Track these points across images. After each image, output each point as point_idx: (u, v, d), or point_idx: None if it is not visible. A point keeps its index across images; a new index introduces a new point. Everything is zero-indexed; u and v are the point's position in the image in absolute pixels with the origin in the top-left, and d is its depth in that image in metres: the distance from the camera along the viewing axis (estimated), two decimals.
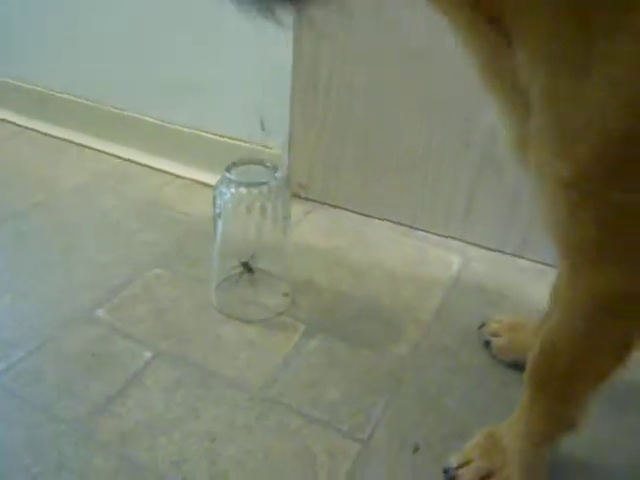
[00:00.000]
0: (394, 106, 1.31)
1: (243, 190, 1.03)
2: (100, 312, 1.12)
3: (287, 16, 0.64)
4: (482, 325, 1.11)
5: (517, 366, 1.00)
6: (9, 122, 1.83)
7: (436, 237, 1.38)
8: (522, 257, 1.32)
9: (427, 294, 1.20)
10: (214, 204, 1.06)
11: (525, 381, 0.81)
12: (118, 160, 1.65)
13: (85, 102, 1.70)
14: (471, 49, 0.67)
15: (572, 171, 0.58)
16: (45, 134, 1.77)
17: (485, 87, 0.70)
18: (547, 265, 1.26)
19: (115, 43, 1.60)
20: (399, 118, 1.32)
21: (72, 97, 1.72)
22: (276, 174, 1.05)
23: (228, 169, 1.05)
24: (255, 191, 1.03)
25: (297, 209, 1.42)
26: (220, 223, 1.06)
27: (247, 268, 1.12)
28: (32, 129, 1.79)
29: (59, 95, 1.74)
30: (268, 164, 1.07)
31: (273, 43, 1.33)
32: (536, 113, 0.61)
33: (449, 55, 1.17)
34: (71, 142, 1.73)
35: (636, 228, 0.60)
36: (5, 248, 1.30)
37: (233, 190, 1.03)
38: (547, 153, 0.60)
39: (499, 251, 1.34)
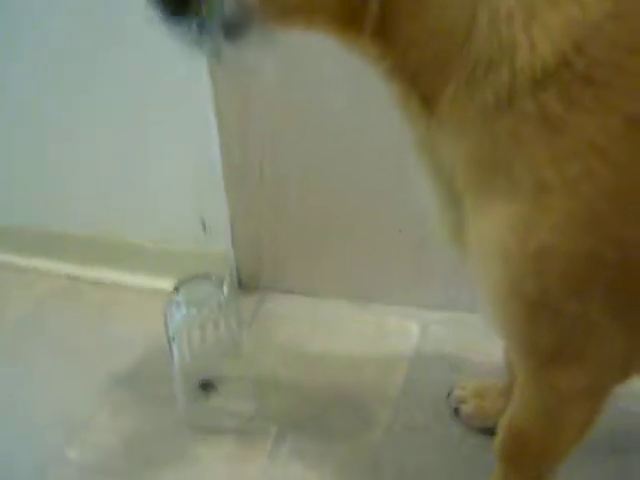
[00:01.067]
0: (327, 188, 1.33)
1: (193, 310, 1.03)
2: (70, 451, 1.10)
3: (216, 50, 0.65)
4: (449, 393, 1.12)
5: (488, 430, 1.02)
6: None
7: (392, 307, 1.39)
8: (477, 311, 1.34)
9: (391, 370, 1.21)
10: (166, 327, 1.06)
11: (496, 456, 0.83)
12: (62, 279, 1.62)
13: (19, 224, 1.68)
14: (407, 124, 0.68)
15: (534, 291, 0.60)
16: None
17: (418, 165, 0.72)
18: None
19: (32, 159, 1.59)
20: (334, 199, 1.34)
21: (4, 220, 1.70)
22: (224, 287, 1.05)
23: (175, 290, 1.05)
24: (205, 309, 1.03)
25: (250, 301, 1.43)
26: (175, 346, 1.06)
27: (208, 386, 1.12)
28: None
29: None
30: (214, 278, 1.08)
31: (200, 143, 1.35)
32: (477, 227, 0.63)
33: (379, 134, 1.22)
34: (9, 267, 1.69)
35: (595, 332, 0.62)
36: None
37: (184, 312, 1.03)
38: (501, 273, 0.61)
39: (455, 309, 1.36)
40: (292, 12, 0.62)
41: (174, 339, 1.05)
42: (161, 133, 1.37)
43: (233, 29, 0.60)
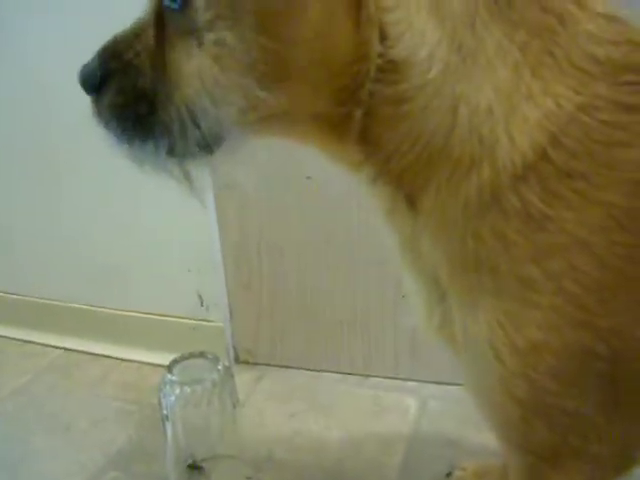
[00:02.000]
0: (325, 264, 1.34)
1: (187, 389, 1.02)
2: None
3: (201, 177, 0.64)
4: (449, 474, 1.10)
5: None
6: None
7: (389, 381, 1.38)
8: None
9: (389, 448, 1.19)
10: (160, 405, 1.05)
11: None
12: (59, 352, 1.62)
13: (18, 296, 1.69)
14: (390, 224, 0.68)
15: (526, 390, 0.59)
16: None
17: (402, 264, 0.71)
18: None
19: (39, 230, 1.60)
20: (332, 275, 1.35)
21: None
22: (218, 365, 1.05)
23: (170, 368, 1.04)
24: (199, 388, 1.02)
25: (247, 376, 1.41)
26: (169, 425, 1.04)
27: (195, 468, 1.10)
28: None
29: None
30: (209, 356, 1.07)
31: (198, 218, 1.36)
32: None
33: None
34: (7, 338, 1.69)
35: (591, 430, 0.61)
36: None
37: (178, 391, 1.02)
38: (492, 373, 0.60)
39: (453, 384, 1.34)
40: (275, 123, 0.61)
41: (168, 418, 1.03)
42: (159, 208, 1.38)
43: (206, 146, 0.59)
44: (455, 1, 0.55)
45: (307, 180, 1.28)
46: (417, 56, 0.55)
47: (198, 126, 0.57)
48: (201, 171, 0.63)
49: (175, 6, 0.56)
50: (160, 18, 0.59)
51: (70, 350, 1.62)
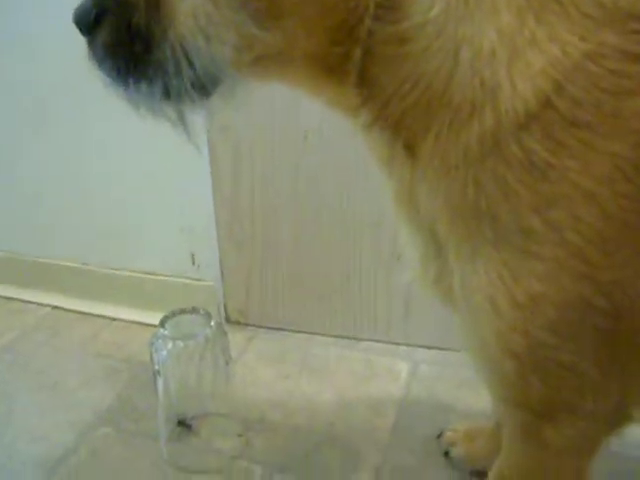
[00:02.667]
0: (319, 225, 1.33)
1: (180, 344, 1.01)
2: None
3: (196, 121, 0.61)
4: (440, 435, 1.10)
5: (479, 473, 1.00)
6: None
7: (381, 345, 1.38)
8: None
9: (381, 411, 1.19)
10: (152, 360, 1.03)
11: None
12: (47, 309, 1.60)
13: (4, 254, 1.67)
14: (386, 175, 0.66)
15: (523, 344, 0.58)
16: None
17: (398, 216, 0.69)
18: None
19: (28, 188, 1.58)
20: (326, 236, 1.33)
21: None
22: (211, 322, 1.03)
23: (162, 323, 1.03)
24: (192, 343, 1.01)
25: (239, 337, 1.41)
26: (160, 380, 1.03)
27: (185, 426, 1.10)
28: None
29: None
30: (201, 311, 1.06)
31: (191, 175, 1.34)
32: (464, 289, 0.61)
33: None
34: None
35: (586, 385, 0.60)
36: None
37: (170, 346, 1.01)
38: (489, 327, 0.59)
39: (444, 349, 1.34)
40: (271, 63, 0.59)
41: (159, 373, 1.02)
42: (152, 166, 1.36)
43: (202, 85, 0.57)
44: None
45: (304, 139, 1.25)
46: None
47: (193, 65, 0.55)
48: (197, 115, 0.61)
49: None
50: None
51: (59, 308, 1.60)
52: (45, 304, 1.62)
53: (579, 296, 0.55)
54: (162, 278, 1.47)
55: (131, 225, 1.48)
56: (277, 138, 1.27)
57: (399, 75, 0.56)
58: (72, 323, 1.55)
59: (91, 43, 0.58)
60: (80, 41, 0.58)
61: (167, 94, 0.57)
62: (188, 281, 1.44)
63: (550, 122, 0.52)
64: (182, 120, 0.60)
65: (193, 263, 1.42)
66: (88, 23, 0.57)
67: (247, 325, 1.46)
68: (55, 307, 1.61)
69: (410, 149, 0.59)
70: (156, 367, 1.03)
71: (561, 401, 0.62)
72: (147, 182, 1.40)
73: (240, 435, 1.12)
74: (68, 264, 1.58)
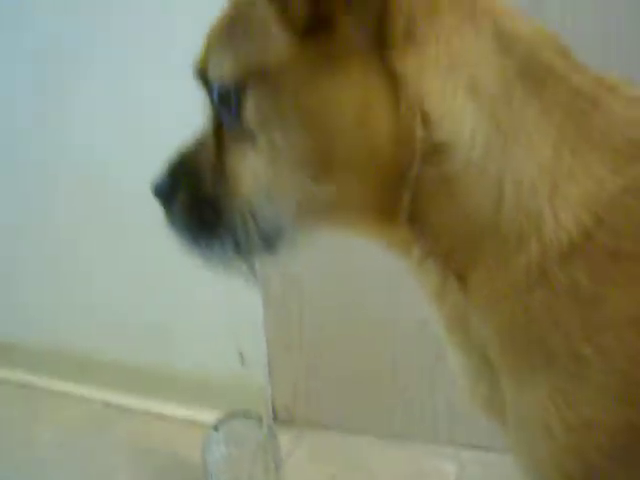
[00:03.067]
0: (365, 325, 1.36)
1: (233, 449, 1.04)
2: None
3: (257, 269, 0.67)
4: None
5: None
6: None
7: (427, 445, 1.38)
8: None
9: None
10: (204, 462, 1.06)
11: None
12: (97, 405, 1.64)
13: (56, 348, 1.72)
14: (438, 305, 0.67)
15: (578, 467, 0.58)
16: (15, 383, 1.77)
17: (449, 343, 0.70)
18: None
19: (85, 288, 1.65)
20: (372, 336, 1.36)
21: (42, 344, 1.75)
22: (263, 426, 1.06)
23: (215, 427, 1.06)
24: (244, 447, 1.04)
25: (286, 435, 1.41)
26: None
27: None
28: (2, 379, 1.79)
29: (26, 343, 1.77)
30: (254, 415, 1.09)
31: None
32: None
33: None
34: (46, 390, 1.72)
35: None
36: None
37: (223, 450, 1.04)
38: (544, 448, 0.60)
39: (491, 449, 1.33)
40: (330, 216, 0.64)
41: (212, 476, 1.05)
42: (208, 276, 1.41)
43: (269, 242, 0.62)
44: (491, 83, 0.57)
45: (351, 252, 1.30)
46: (459, 137, 0.56)
47: (258, 224, 0.61)
48: (266, 265, 0.67)
49: (231, 113, 0.60)
50: (219, 127, 0.63)
51: (109, 404, 1.64)
52: (96, 400, 1.66)
53: (627, 421, 0.56)
54: (211, 376, 1.50)
55: (181, 323, 1.53)
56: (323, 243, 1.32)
57: (447, 211, 0.59)
58: (122, 419, 1.58)
59: (168, 212, 0.66)
60: None
61: (237, 251, 0.63)
62: (236, 379, 1.47)
63: (592, 252, 0.55)
64: (252, 271, 0.66)
65: (242, 362, 1.46)
66: (164, 196, 0.65)
67: (294, 423, 1.47)
68: (106, 403, 1.64)
69: (462, 279, 0.62)
70: (209, 469, 1.05)
71: None
72: (198, 282, 1.45)
73: None
74: (119, 360, 1.63)
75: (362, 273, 1.32)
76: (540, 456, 0.61)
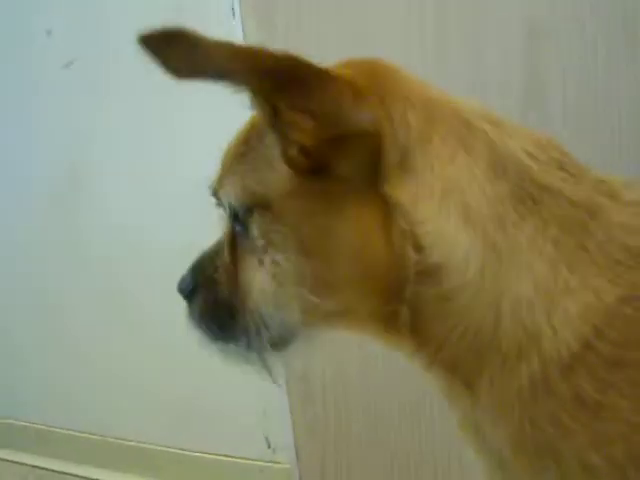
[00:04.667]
0: (390, 400, 1.35)
1: None
2: None
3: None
4: None
5: None
6: (15, 463, 1.84)
7: None
8: None
9: None
10: None
11: None
12: None
13: (88, 435, 1.73)
14: (450, 404, 0.68)
15: None
16: (53, 471, 1.77)
17: (465, 442, 0.69)
18: None
19: (112, 373, 1.66)
20: (398, 411, 1.35)
21: (74, 432, 1.76)
22: None
23: None
24: None
25: None
26: None
27: None
28: (40, 467, 1.80)
29: (60, 430, 1.78)
30: None
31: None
32: None
33: None
34: (80, 477, 1.73)
35: None
36: None
37: None
38: None
39: None
40: (333, 321, 0.67)
41: None
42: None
43: (279, 343, 0.66)
44: (483, 205, 0.58)
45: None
46: (453, 260, 0.58)
47: (268, 328, 0.64)
48: (278, 361, 0.69)
49: (241, 230, 0.65)
50: (233, 238, 0.67)
51: None
52: None
53: None
54: (239, 461, 1.49)
55: (207, 408, 1.53)
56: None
57: (447, 326, 0.60)
58: None
59: (189, 307, 0.70)
60: None
61: (250, 348, 0.66)
62: (264, 464, 1.46)
63: (593, 363, 0.55)
64: (265, 366, 0.68)
65: (269, 447, 1.45)
66: (186, 293, 0.70)
67: None
68: None
69: (468, 386, 0.62)
70: None
71: None
72: (222, 367, 1.46)
73: None
74: (148, 446, 1.63)
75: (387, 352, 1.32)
76: None
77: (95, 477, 1.71)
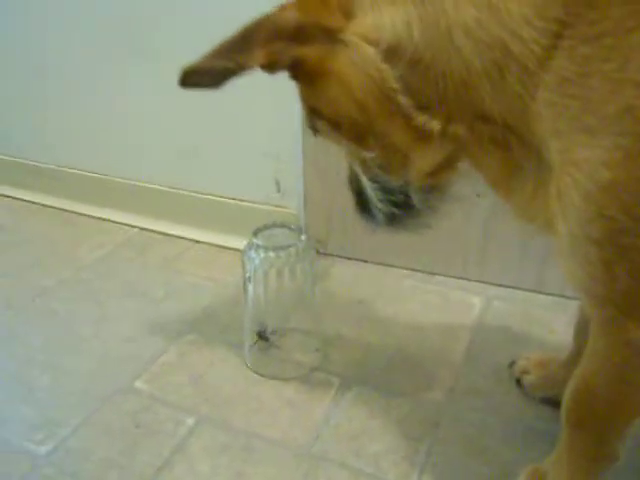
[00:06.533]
0: None
1: (272, 254, 1.07)
2: (139, 383, 1.14)
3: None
4: (512, 363, 1.13)
5: (550, 401, 1.03)
6: (24, 200, 1.89)
7: (455, 280, 1.41)
8: (540, 292, 1.35)
9: (453, 338, 1.23)
10: (244, 269, 1.09)
11: (562, 421, 0.83)
12: (135, 230, 1.70)
13: (97, 175, 1.76)
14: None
15: (605, 229, 0.61)
16: (60, 209, 1.83)
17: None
18: (565, 298, 1.29)
19: (122, 113, 1.65)
20: None
21: (83, 171, 1.78)
22: (301, 236, 1.09)
23: (255, 234, 1.09)
24: (283, 254, 1.07)
25: (318, 265, 1.46)
26: (251, 287, 1.09)
27: (263, 339, 1.16)
28: (48, 205, 1.85)
29: (69, 170, 1.80)
30: (293, 227, 1.11)
31: (282, 106, 1.38)
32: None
33: None
34: (87, 216, 1.79)
35: None
36: (39, 326, 1.33)
37: (262, 255, 1.07)
38: (575, 217, 0.63)
39: (518, 288, 1.37)
40: (396, 162, 0.81)
41: (250, 280, 1.08)
42: (241, 91, 1.40)
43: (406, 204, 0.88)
44: None
45: None
46: (398, 32, 0.68)
47: (385, 193, 0.88)
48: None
49: None
50: None
51: (146, 229, 1.69)
52: (134, 225, 1.71)
53: None
54: (247, 204, 1.53)
55: (219, 150, 1.53)
56: None
57: (433, 85, 0.69)
58: (158, 243, 1.63)
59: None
60: None
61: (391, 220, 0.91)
62: (271, 208, 1.49)
63: (574, 40, 0.59)
64: (420, 223, 0.93)
65: (278, 190, 1.47)
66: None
67: (326, 255, 1.51)
68: (142, 228, 1.69)
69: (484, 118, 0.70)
70: (247, 274, 1.09)
71: None
72: (237, 109, 1.45)
73: (318, 350, 1.18)
74: (155, 187, 1.66)
75: None
76: (573, 229, 0.64)
77: (103, 216, 1.76)
